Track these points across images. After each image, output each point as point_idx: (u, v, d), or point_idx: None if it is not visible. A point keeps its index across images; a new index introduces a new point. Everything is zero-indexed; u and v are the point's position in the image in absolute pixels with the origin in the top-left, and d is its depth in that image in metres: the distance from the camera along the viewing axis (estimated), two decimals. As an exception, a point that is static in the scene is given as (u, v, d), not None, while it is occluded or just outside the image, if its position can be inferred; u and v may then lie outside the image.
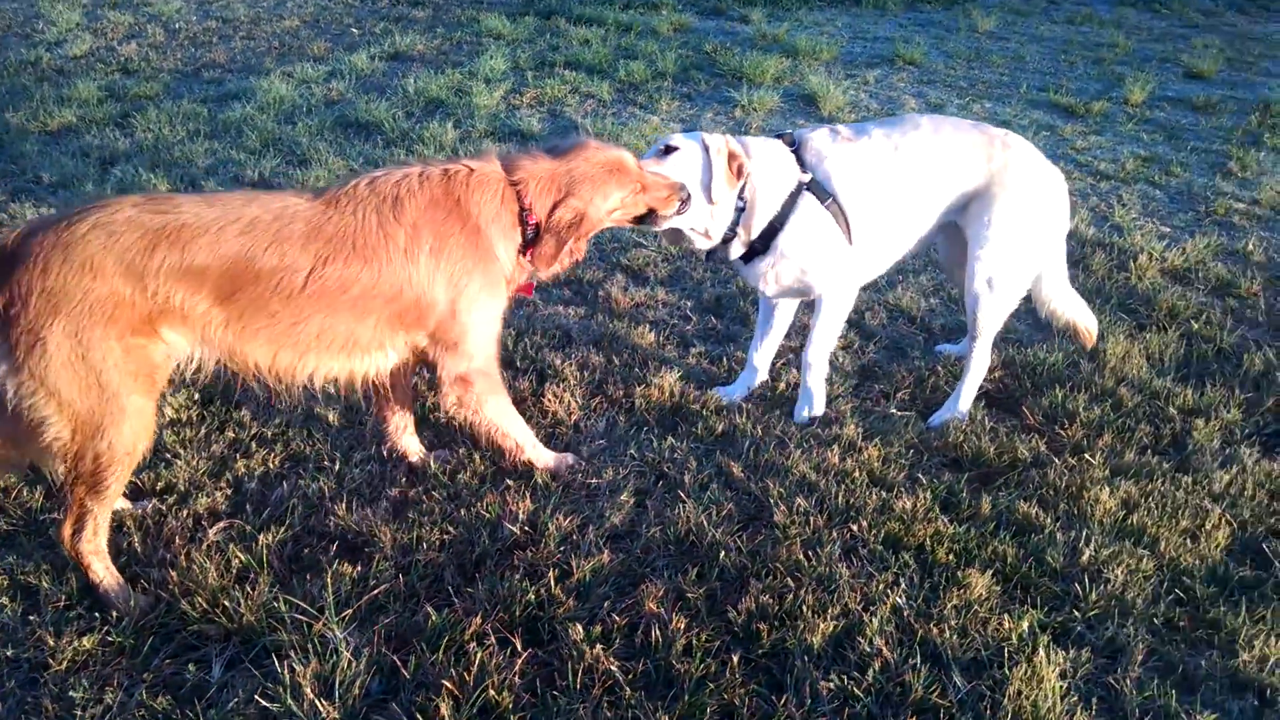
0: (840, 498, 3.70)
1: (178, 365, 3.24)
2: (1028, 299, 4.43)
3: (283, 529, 3.49)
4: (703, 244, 4.15)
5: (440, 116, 7.93)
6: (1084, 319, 4.51)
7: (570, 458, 3.94)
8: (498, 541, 3.47)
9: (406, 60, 9.60)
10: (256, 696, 2.81)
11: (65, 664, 2.95)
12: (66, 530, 3.12)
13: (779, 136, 4.22)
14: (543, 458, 3.86)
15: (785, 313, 4.54)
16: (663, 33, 11.09)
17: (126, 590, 3.23)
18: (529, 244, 3.57)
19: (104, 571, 3.19)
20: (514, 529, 3.49)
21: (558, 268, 3.67)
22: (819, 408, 4.32)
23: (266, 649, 3.03)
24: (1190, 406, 4.45)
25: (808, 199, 4.10)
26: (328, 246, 3.21)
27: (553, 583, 3.25)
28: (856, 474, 3.86)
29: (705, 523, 3.56)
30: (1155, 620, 3.26)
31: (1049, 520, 3.66)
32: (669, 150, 4.03)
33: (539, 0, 12.22)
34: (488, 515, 3.56)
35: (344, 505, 3.58)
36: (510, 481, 3.74)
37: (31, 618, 3.11)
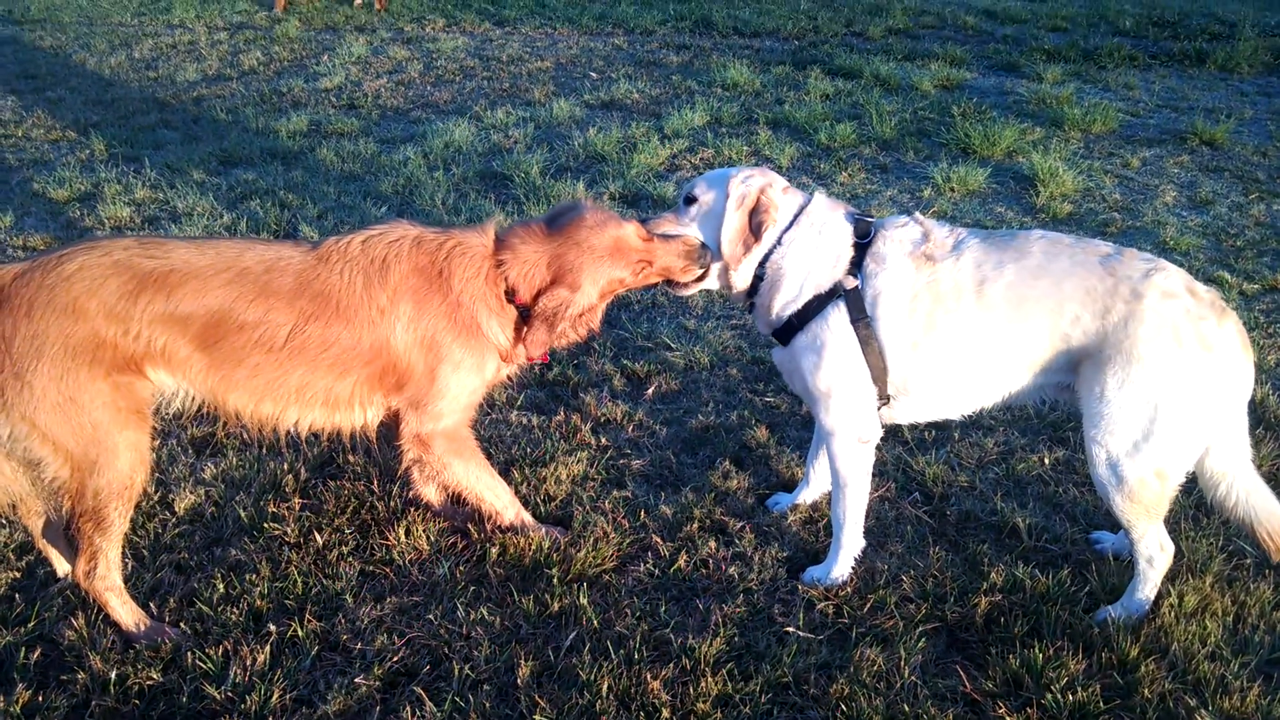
0: (606, 746, 2.80)
1: (161, 400, 3.23)
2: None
3: (27, 628, 3.24)
4: (733, 298, 3.64)
5: (592, 173, 7.52)
6: (1266, 517, 3.24)
7: (558, 533, 3.66)
8: (197, 701, 2.98)
9: (616, 108, 9.29)
10: None
11: None
12: (81, 569, 3.14)
13: (857, 220, 3.40)
14: (528, 526, 3.65)
15: None
16: (923, 89, 9.91)
17: (153, 625, 3.22)
18: (523, 322, 3.36)
19: (121, 607, 3.20)
20: (215, 692, 2.98)
21: (564, 341, 3.45)
22: (839, 572, 3.49)
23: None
24: (1242, 716, 2.95)
25: (838, 312, 3.28)
26: (312, 304, 3.17)
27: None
28: (666, 713, 2.91)
29: (423, 739, 2.84)
30: None
31: None
32: (690, 200, 3.49)
33: (803, 50, 11.45)
34: (205, 666, 3.07)
35: (82, 618, 3.25)
36: (270, 628, 3.22)
37: None
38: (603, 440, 4.30)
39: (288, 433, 3.43)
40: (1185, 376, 2.99)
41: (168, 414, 3.37)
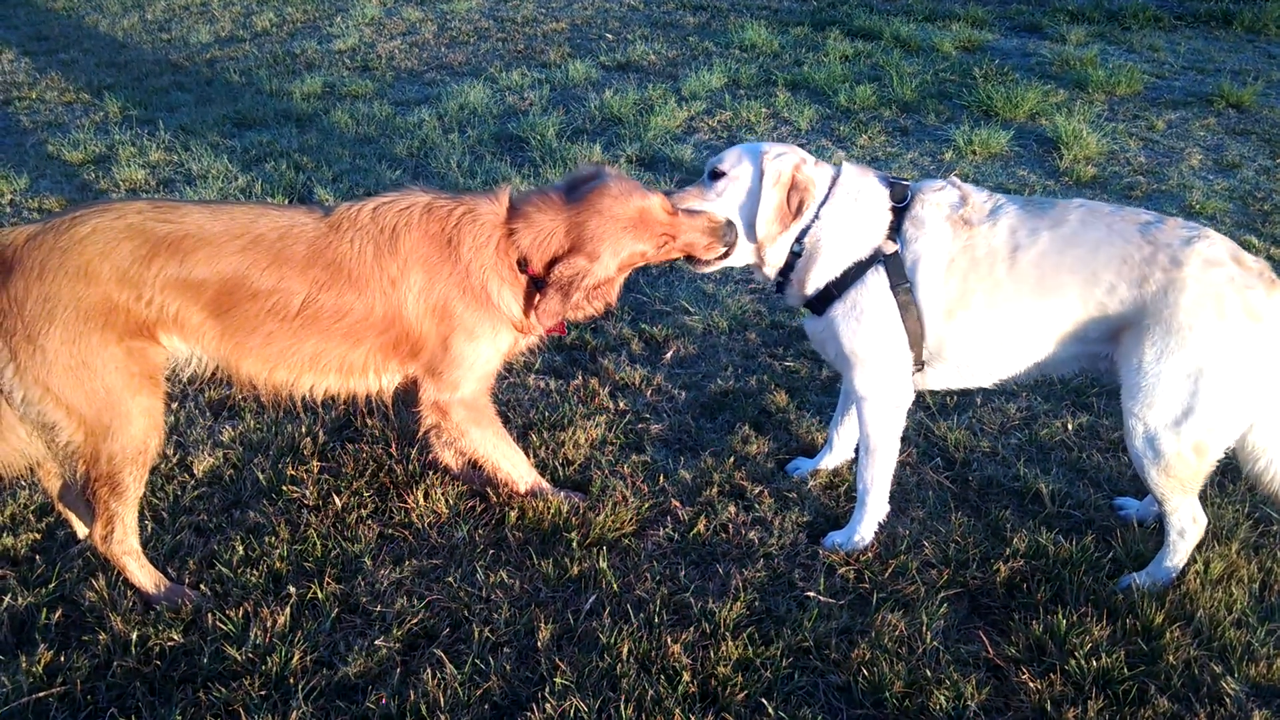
0: (627, 707, 2.79)
1: (174, 365, 3.22)
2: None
3: (48, 589, 3.25)
4: (760, 276, 3.54)
5: (608, 136, 7.44)
6: None
7: (577, 498, 3.64)
8: (218, 663, 2.98)
9: (633, 70, 9.18)
10: None
11: None
12: (98, 534, 3.14)
13: (892, 184, 3.34)
14: (545, 490, 3.63)
15: None
16: (944, 50, 9.74)
17: (173, 587, 3.23)
18: (536, 292, 3.29)
19: (139, 571, 3.20)
20: (236, 653, 2.98)
21: (579, 315, 3.36)
22: (861, 537, 3.45)
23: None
24: (1269, 683, 2.92)
25: (877, 276, 3.24)
26: (325, 273, 3.14)
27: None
28: (686, 676, 2.90)
29: (442, 699, 2.83)
30: None
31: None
32: (717, 175, 3.39)
33: (822, 10, 11.28)
34: (225, 628, 3.07)
35: (103, 579, 3.25)
36: (290, 590, 3.22)
37: None
38: (621, 404, 4.28)
39: (303, 397, 3.41)
40: (1229, 348, 2.90)
41: (182, 380, 3.33)
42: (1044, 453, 3.99)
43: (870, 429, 3.38)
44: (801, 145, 7.05)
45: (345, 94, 8.53)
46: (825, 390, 4.41)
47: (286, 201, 6.17)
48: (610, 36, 10.41)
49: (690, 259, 3.41)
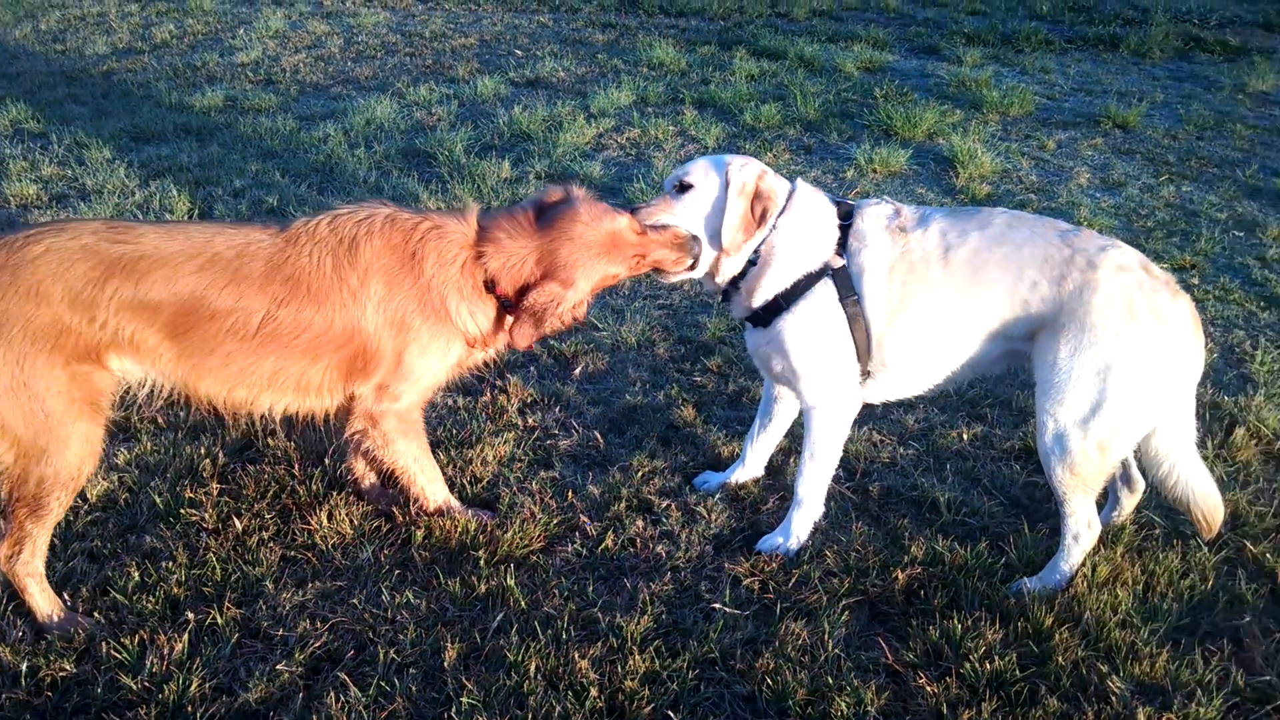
0: (534, 726, 2.80)
1: (127, 388, 3.16)
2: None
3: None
4: (709, 285, 3.61)
5: (517, 152, 7.44)
6: (1203, 498, 3.35)
7: (485, 516, 3.63)
8: (113, 693, 2.90)
9: (541, 86, 9.20)
10: None
11: None
12: (3, 552, 3.02)
13: (838, 203, 3.48)
14: (454, 510, 3.61)
15: (790, 405, 3.83)
16: (846, 71, 9.99)
17: (67, 615, 3.12)
18: (505, 312, 3.31)
19: (40, 594, 3.10)
20: (132, 683, 2.90)
21: (549, 330, 3.32)
22: (794, 542, 3.55)
23: None
24: (1152, 681, 3.06)
25: (825, 289, 3.36)
26: (284, 289, 3.08)
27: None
28: (594, 692, 2.91)
29: (346, 725, 2.80)
30: None
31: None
32: (684, 188, 3.44)
33: (728, 30, 11.47)
34: (120, 657, 2.99)
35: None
36: (188, 616, 3.14)
37: None
38: (530, 421, 4.28)
39: (211, 412, 3.39)
40: (1136, 347, 3.08)
41: (138, 403, 3.28)
42: (940, 462, 4.11)
43: (817, 437, 3.49)
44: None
45: (248, 108, 8.37)
46: (731, 404, 4.49)
47: (187, 218, 6.03)
48: (519, 53, 10.42)
49: (656, 270, 3.46)
